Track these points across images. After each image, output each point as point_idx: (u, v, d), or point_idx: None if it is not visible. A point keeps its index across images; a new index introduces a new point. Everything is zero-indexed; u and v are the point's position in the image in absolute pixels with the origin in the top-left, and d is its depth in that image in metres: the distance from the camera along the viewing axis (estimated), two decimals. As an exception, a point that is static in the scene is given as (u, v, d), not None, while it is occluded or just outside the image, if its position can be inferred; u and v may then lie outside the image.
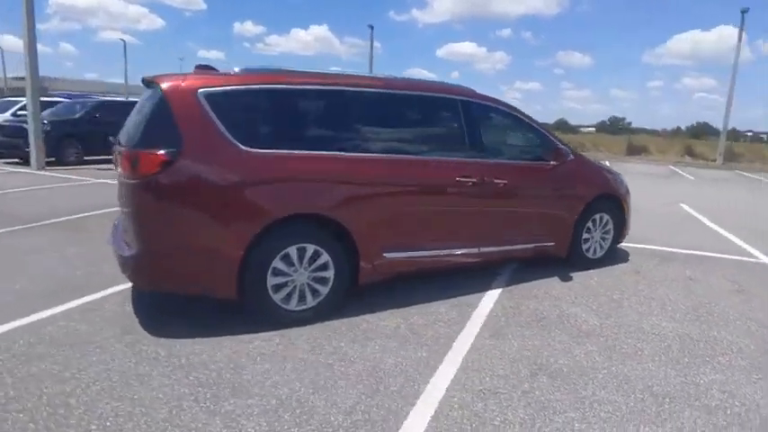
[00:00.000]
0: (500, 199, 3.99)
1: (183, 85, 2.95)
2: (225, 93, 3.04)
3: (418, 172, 3.61)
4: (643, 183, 12.94)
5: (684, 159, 24.96)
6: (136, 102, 3.85)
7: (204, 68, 3.39)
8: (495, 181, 3.88)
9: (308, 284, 3.22)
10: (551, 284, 4.22)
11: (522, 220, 4.21)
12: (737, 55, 21.70)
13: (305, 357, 2.81)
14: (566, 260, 4.58)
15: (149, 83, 3.18)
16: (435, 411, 2.35)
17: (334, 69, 3.75)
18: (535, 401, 2.48)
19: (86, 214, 6.19)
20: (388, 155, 3.53)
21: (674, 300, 3.99)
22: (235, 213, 2.98)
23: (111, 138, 3.61)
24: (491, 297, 3.85)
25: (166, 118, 2.87)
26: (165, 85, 2.92)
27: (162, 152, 2.78)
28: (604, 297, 3.99)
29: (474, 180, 3.76)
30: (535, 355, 2.96)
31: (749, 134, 56.78)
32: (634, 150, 27.83)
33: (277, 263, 3.08)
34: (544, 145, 4.35)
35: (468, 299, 3.78)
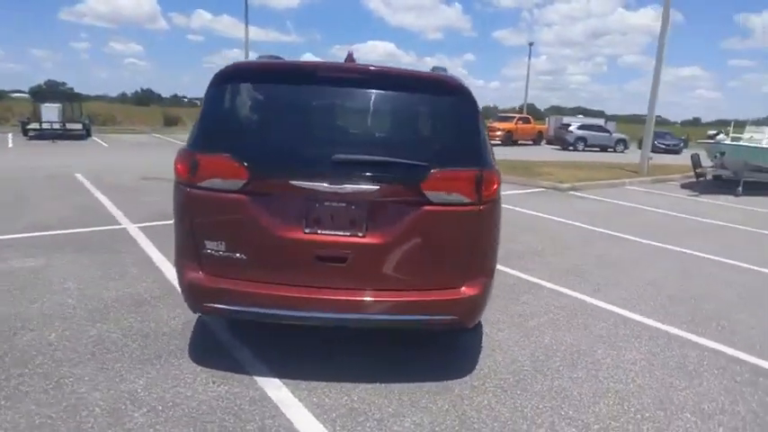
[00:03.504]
0: None
1: (467, 87, 2.55)
2: None
3: None
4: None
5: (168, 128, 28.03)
6: None
7: (275, 59, 2.79)
8: None
9: None
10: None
11: None
12: (246, 37, 24.23)
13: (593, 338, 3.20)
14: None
15: (418, 79, 2.56)
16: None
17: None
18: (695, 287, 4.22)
19: None
20: None
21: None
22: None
23: (337, 155, 2.28)
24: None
25: (474, 127, 2.48)
26: (463, 87, 2.51)
27: (496, 170, 2.50)
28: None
29: None
30: (641, 278, 4.44)
31: (185, 99, 68.71)
32: (171, 122, 30.41)
33: None
34: None
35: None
